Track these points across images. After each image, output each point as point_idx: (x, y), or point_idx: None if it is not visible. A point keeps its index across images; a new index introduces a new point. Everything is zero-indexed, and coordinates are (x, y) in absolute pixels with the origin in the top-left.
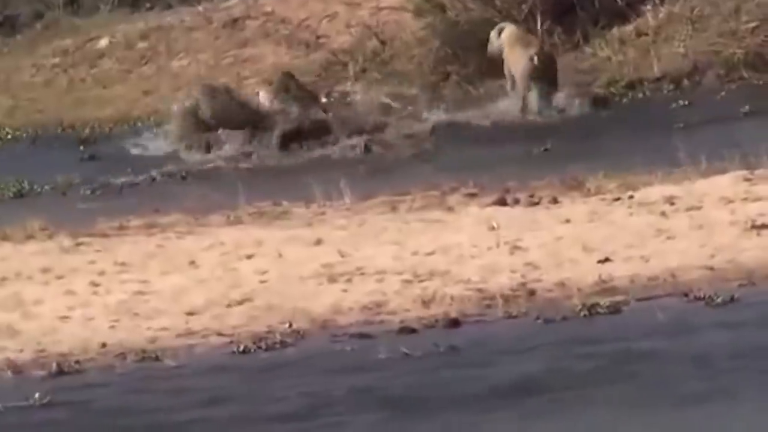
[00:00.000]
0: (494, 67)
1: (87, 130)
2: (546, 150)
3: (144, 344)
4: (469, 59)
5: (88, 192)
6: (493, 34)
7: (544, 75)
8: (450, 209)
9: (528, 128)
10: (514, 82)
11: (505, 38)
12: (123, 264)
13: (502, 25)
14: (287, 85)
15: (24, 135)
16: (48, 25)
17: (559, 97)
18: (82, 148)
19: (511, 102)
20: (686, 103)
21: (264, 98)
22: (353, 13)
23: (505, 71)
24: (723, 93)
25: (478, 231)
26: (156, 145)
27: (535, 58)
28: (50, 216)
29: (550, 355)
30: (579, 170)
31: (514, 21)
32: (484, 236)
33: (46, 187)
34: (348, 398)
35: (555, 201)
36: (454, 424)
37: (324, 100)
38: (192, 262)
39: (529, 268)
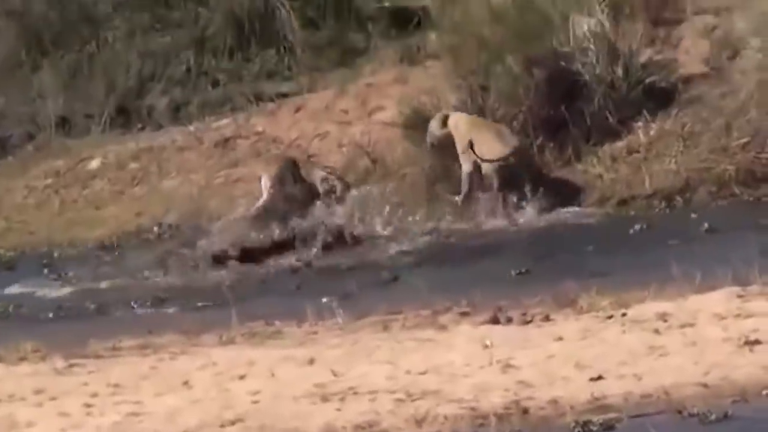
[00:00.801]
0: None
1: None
2: (537, 265)
3: None
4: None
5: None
6: (434, 123)
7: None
8: (442, 328)
9: (516, 241)
10: (471, 181)
11: (460, 127)
12: (116, 385)
13: (446, 112)
14: (285, 176)
15: (14, 256)
16: (40, 146)
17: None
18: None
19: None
20: (677, 218)
21: (265, 185)
22: (345, 131)
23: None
24: (714, 209)
25: (470, 349)
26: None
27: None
28: (43, 337)
29: None
30: (571, 287)
31: None
32: (476, 355)
33: (37, 307)
34: None
35: (547, 319)
36: None
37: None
38: (185, 383)
39: (522, 386)
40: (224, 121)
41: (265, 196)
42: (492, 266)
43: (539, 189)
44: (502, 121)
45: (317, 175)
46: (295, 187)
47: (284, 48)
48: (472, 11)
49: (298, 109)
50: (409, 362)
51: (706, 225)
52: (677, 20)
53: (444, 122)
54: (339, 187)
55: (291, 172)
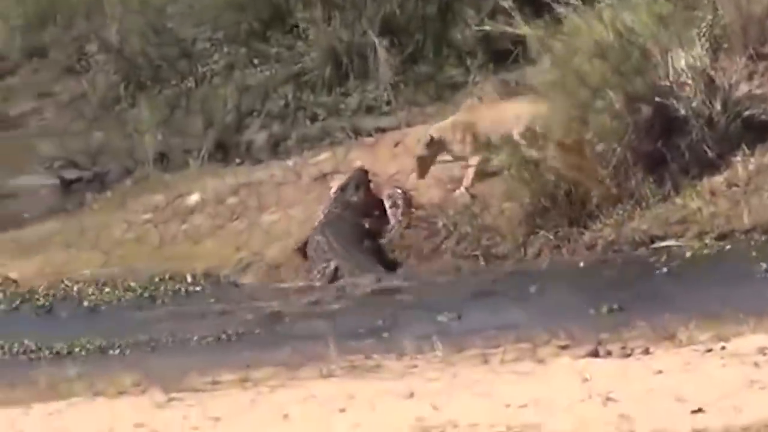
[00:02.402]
0: (585, 219)
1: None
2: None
3: None
4: (560, 213)
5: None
6: None
7: None
8: (541, 361)
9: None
10: None
11: None
12: (216, 419)
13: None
14: (349, 184)
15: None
16: (138, 181)
17: None
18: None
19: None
20: None
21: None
22: (443, 166)
23: None
24: None
25: (570, 383)
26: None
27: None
28: (141, 371)
29: None
30: (670, 321)
31: (602, 176)
32: (576, 388)
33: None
34: None
35: (647, 352)
36: None
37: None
38: (285, 416)
39: (622, 420)
40: (323, 156)
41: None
42: (587, 300)
43: None
44: (601, 157)
45: (385, 192)
46: (356, 194)
47: (382, 82)
48: (573, 46)
49: (396, 144)
50: (508, 395)
51: None
52: None
53: None
54: (401, 203)
55: (356, 182)
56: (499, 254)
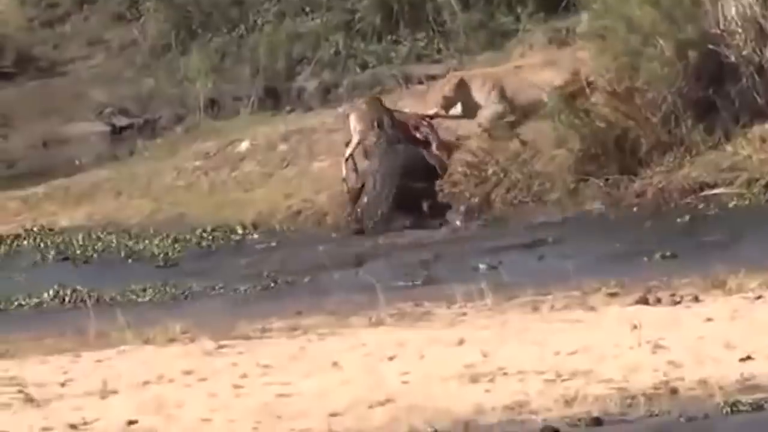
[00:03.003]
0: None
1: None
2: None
3: None
4: (610, 160)
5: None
6: None
7: None
8: (591, 309)
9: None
10: None
11: None
12: (266, 366)
13: None
14: (376, 112)
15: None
16: (188, 128)
17: None
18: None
19: None
20: None
21: (354, 126)
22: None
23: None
24: None
25: (619, 330)
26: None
27: None
28: (191, 319)
29: None
30: (720, 269)
31: (652, 123)
32: (625, 336)
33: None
34: None
35: (697, 300)
36: None
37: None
38: (334, 364)
39: (671, 367)
40: None
41: (355, 136)
42: (637, 247)
43: None
44: (651, 104)
45: (410, 120)
46: (393, 129)
47: (433, 30)
48: None
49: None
50: (558, 343)
51: None
52: None
53: None
54: (433, 137)
55: (383, 114)
56: (549, 201)
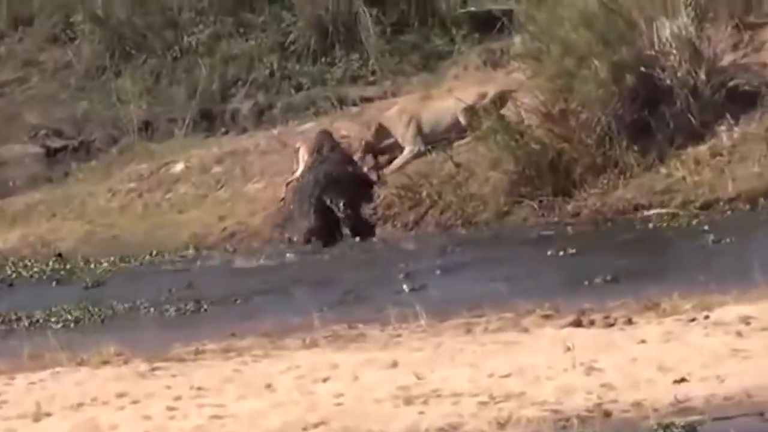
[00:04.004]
0: (570, 188)
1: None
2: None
3: None
4: (544, 182)
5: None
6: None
7: None
8: (525, 330)
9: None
10: None
11: None
12: (199, 389)
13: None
14: (322, 144)
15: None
16: (123, 150)
17: None
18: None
19: None
20: (760, 222)
21: (303, 156)
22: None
23: None
24: None
25: (553, 353)
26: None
27: None
28: (125, 341)
29: None
30: (654, 291)
31: (586, 145)
32: (559, 358)
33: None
34: None
35: (630, 322)
36: None
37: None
38: (268, 386)
39: (605, 389)
40: (308, 125)
41: (301, 166)
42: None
43: None
44: (586, 126)
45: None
46: (332, 153)
47: (368, 52)
48: (558, 15)
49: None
50: (492, 365)
51: None
52: (762, 24)
53: None
54: (368, 161)
55: (326, 141)
56: (482, 222)
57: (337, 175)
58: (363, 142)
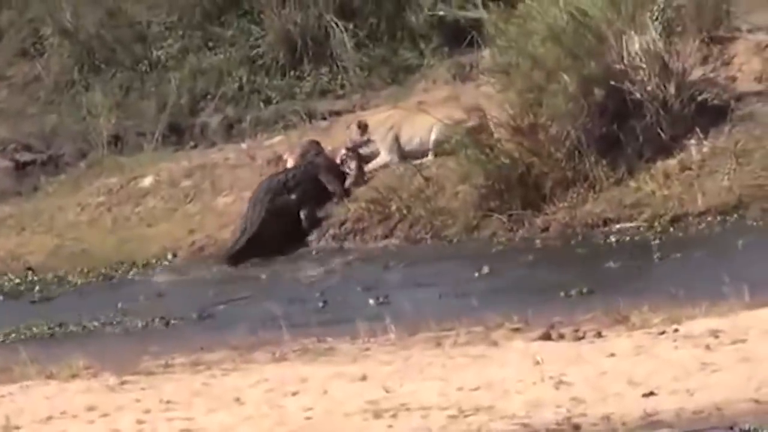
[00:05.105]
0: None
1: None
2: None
3: None
4: (513, 196)
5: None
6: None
7: None
8: (494, 344)
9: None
10: None
11: None
12: (169, 402)
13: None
14: (308, 151)
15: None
16: (92, 164)
17: None
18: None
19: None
20: (730, 236)
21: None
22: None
23: None
24: (766, 226)
25: (522, 366)
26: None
27: None
28: (95, 355)
29: None
30: (623, 304)
31: (556, 159)
32: (528, 371)
33: (94, 324)
34: None
35: (600, 335)
36: None
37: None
38: (237, 399)
39: (574, 403)
40: (277, 139)
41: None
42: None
43: None
44: (555, 140)
45: (339, 154)
46: (317, 158)
47: (337, 66)
48: (527, 29)
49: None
50: (461, 378)
51: (758, 242)
52: (730, 38)
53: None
54: (353, 164)
55: (313, 149)
56: (451, 237)
57: (300, 179)
58: (349, 141)
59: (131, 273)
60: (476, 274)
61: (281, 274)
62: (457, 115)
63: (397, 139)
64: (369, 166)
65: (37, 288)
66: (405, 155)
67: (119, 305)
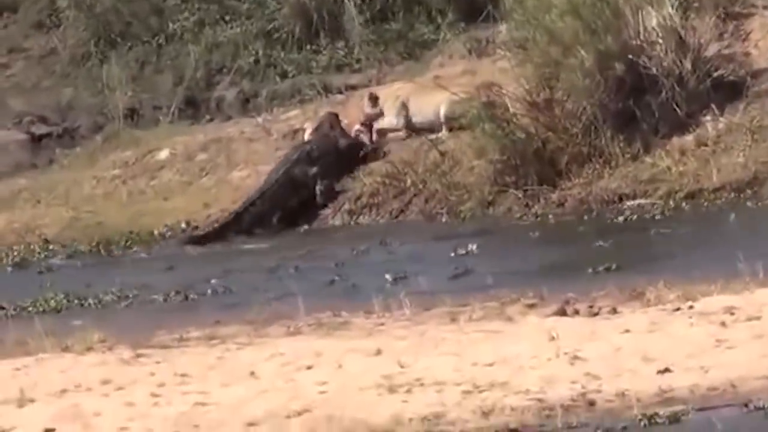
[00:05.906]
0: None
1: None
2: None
3: None
4: (529, 171)
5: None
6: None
7: None
8: (509, 320)
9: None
10: None
11: None
12: (183, 375)
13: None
14: (324, 124)
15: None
16: (108, 137)
17: None
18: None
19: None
20: (745, 212)
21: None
22: None
23: None
24: None
25: (537, 341)
26: None
27: None
28: (109, 328)
29: None
30: (639, 280)
31: (572, 134)
32: (543, 347)
33: (109, 297)
34: None
35: (615, 311)
36: None
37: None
38: (252, 374)
39: (589, 379)
40: (293, 113)
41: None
42: (555, 258)
43: None
44: (571, 115)
45: (354, 129)
46: (333, 131)
47: (353, 40)
48: (545, 2)
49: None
50: (475, 354)
51: None
52: (747, 14)
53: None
54: (365, 138)
55: (330, 122)
56: (467, 212)
57: (319, 150)
58: (362, 115)
59: (146, 244)
60: (493, 250)
61: (295, 248)
62: (473, 90)
63: (405, 106)
64: (375, 126)
65: (51, 259)
66: (414, 127)
67: (134, 278)
